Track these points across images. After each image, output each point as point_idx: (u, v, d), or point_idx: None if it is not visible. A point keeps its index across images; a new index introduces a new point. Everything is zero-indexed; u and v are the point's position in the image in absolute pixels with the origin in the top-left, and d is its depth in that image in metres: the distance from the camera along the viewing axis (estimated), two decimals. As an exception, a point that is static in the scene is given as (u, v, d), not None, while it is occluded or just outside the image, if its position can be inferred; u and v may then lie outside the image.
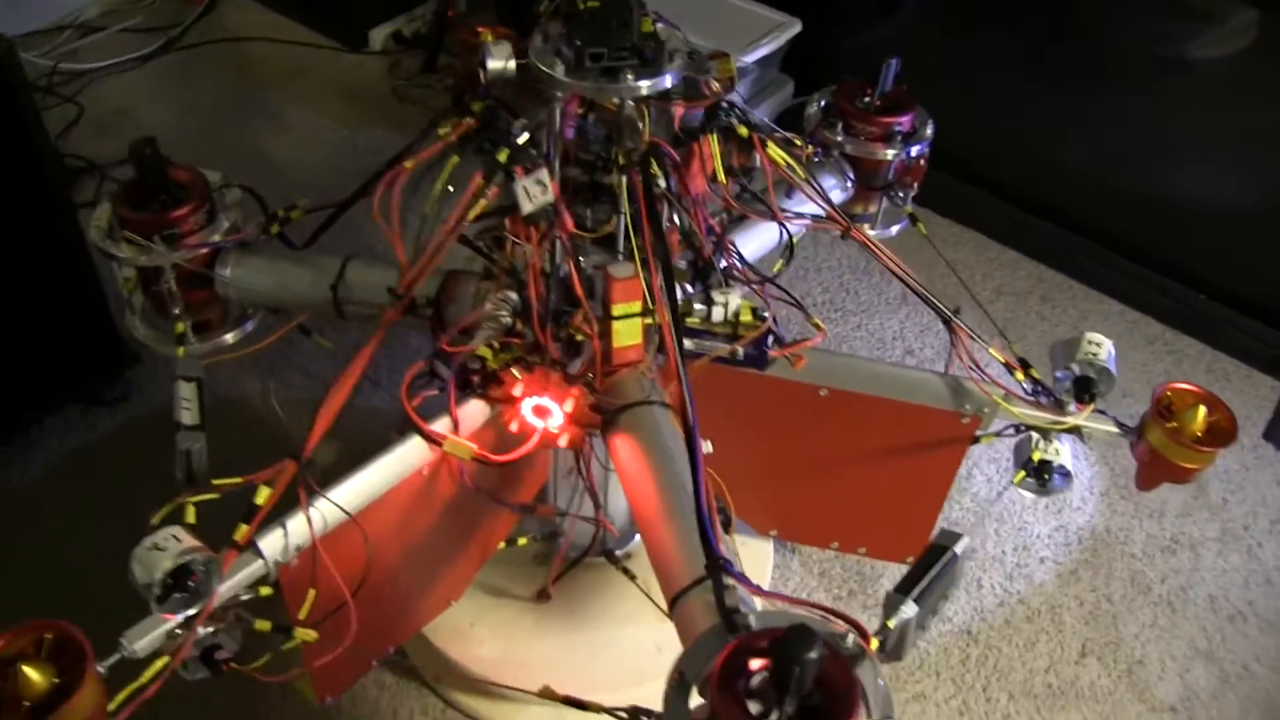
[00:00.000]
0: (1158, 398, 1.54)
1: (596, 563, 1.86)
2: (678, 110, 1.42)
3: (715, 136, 1.36)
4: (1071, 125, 3.03)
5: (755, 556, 2.04)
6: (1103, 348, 1.53)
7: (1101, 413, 1.60)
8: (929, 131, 2.02)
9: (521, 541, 1.82)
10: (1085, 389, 1.52)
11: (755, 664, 1.02)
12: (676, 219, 1.42)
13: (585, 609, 1.85)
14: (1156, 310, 3.04)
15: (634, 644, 1.83)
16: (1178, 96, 2.88)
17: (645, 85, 1.28)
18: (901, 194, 2.08)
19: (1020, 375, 1.56)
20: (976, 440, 1.64)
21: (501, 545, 1.79)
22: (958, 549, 1.38)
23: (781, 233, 1.67)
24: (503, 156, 1.28)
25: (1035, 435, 1.58)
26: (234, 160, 3.11)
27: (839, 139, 1.98)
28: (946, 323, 1.55)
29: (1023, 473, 1.55)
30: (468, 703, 1.84)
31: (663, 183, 1.33)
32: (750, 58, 3.08)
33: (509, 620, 1.83)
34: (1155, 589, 2.31)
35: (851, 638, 1.07)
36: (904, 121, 1.99)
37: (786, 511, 1.88)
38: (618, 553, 1.88)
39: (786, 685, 0.98)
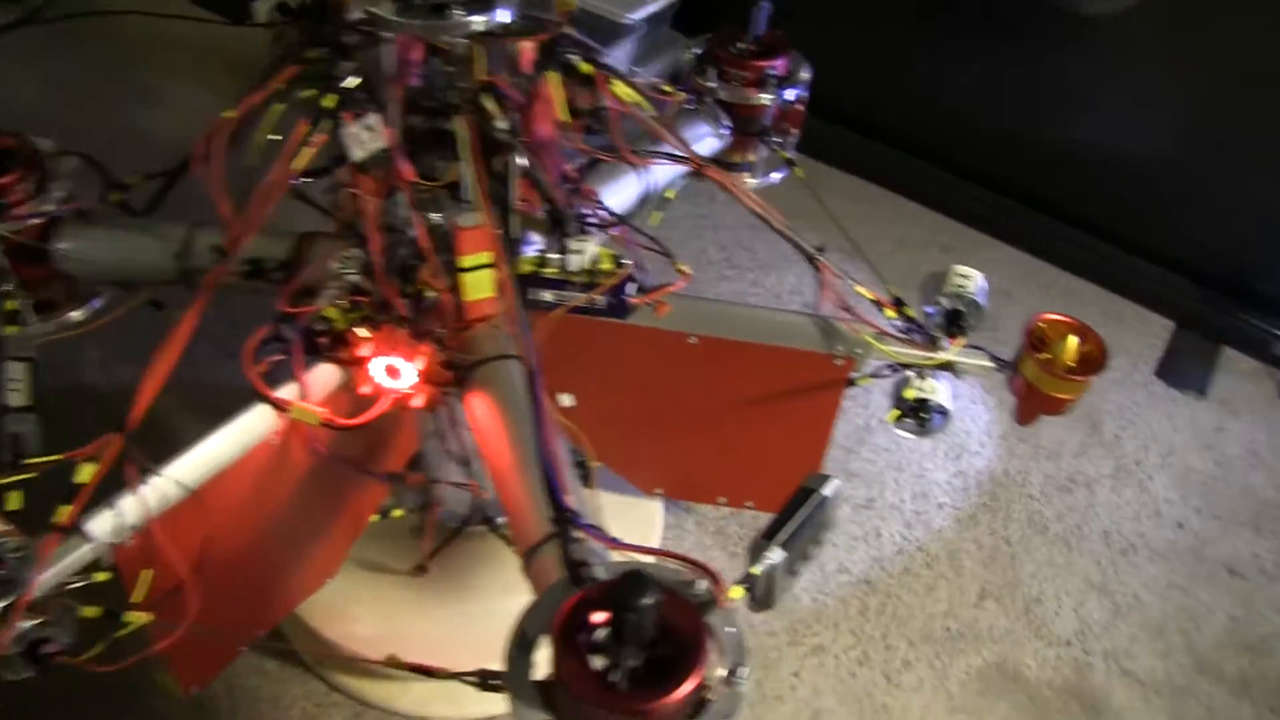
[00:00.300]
0: (1029, 330, 1.52)
1: (478, 532, 1.80)
2: (525, 50, 1.35)
3: (556, 75, 1.30)
4: (968, 75, 3.01)
5: (643, 517, 2.00)
6: (971, 280, 1.50)
7: (978, 348, 1.57)
8: (805, 75, 1.98)
9: (397, 513, 1.76)
10: (954, 322, 1.49)
11: (598, 617, 0.97)
12: (527, 164, 1.36)
13: (466, 580, 1.80)
14: (1053, 256, 3.04)
15: (516, 613, 1.78)
16: (1073, 46, 2.87)
17: (477, 21, 1.21)
18: (780, 140, 2.04)
19: (891, 312, 1.52)
20: (852, 383, 1.60)
21: (375, 518, 1.72)
22: (826, 491, 1.34)
23: (647, 178, 1.62)
24: (329, 102, 1.21)
25: (910, 374, 1.55)
26: (109, 137, 2.97)
27: (713, 85, 1.93)
28: (810, 260, 1.51)
29: (897, 411, 1.52)
30: (351, 684, 1.78)
31: (503, 125, 1.26)
32: (638, 15, 3.02)
33: (387, 596, 1.77)
34: (1052, 528, 2.31)
35: (704, 584, 1.02)
36: (778, 65, 1.95)
37: (669, 468, 1.84)
38: (499, 520, 1.82)
39: (625, 635, 0.94)
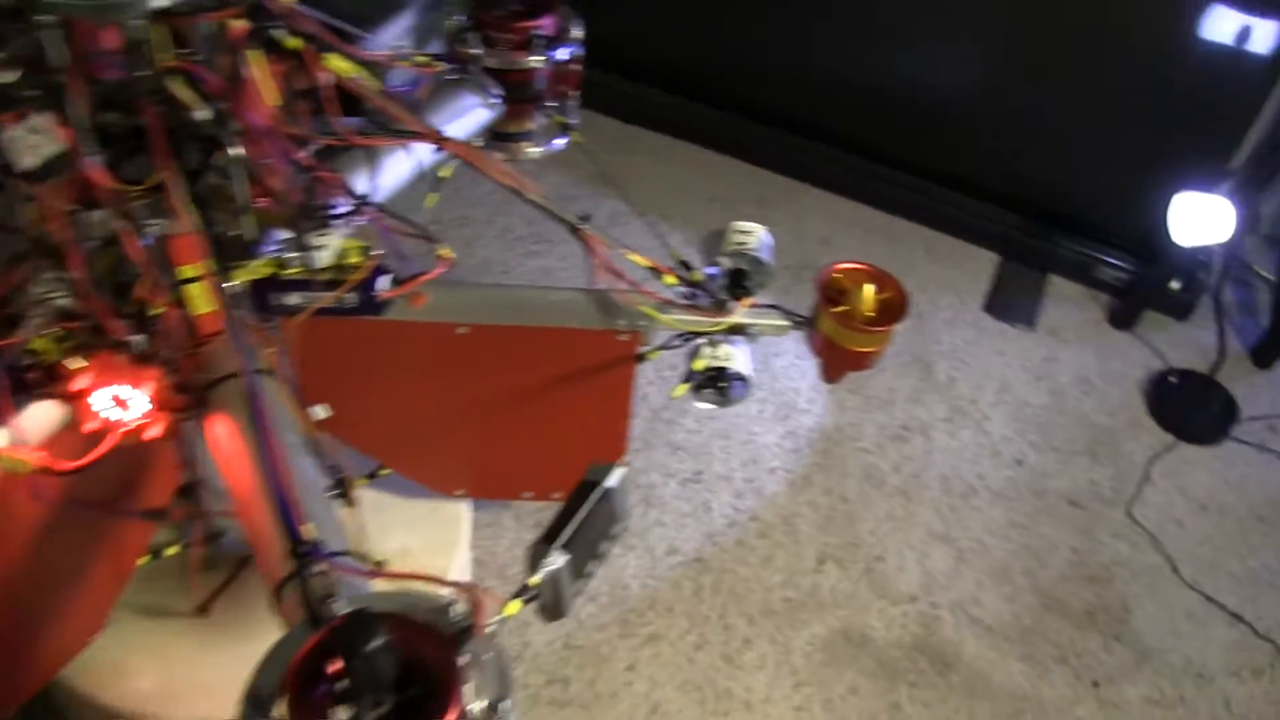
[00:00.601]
0: (823, 282, 1.46)
1: (267, 560, 1.67)
2: (232, 29, 1.22)
3: (258, 54, 1.17)
4: (775, 22, 2.94)
5: (447, 521, 1.89)
6: (753, 235, 1.43)
7: (774, 307, 1.51)
8: (577, 33, 1.88)
9: (170, 550, 1.62)
10: (739, 283, 1.41)
11: (336, 665, 0.87)
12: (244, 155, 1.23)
13: (253, 618, 1.66)
14: (874, 198, 3.02)
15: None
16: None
17: (146, -1, 1.08)
18: (557, 104, 1.94)
19: (671, 279, 1.44)
20: (642, 358, 1.52)
21: (145, 560, 1.58)
22: (610, 482, 1.25)
23: (418, 157, 1.51)
24: (-27, 102, 1.07)
25: (702, 342, 1.47)
26: None
27: (477, 52, 1.82)
28: (574, 231, 1.42)
29: (684, 385, 1.44)
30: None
31: (204, 114, 1.14)
32: (413, -14, 2.88)
33: (169, 644, 1.62)
34: (890, 480, 2.28)
35: (460, 608, 0.93)
36: (545, 25, 1.84)
37: (466, 467, 1.74)
38: (289, 544, 1.69)
39: (358, 684, 0.83)
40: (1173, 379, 2.58)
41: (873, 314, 1.44)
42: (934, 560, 2.13)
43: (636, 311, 1.43)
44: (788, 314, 1.49)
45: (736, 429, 2.33)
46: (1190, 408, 2.51)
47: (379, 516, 1.75)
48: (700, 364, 1.43)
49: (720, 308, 1.44)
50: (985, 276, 2.84)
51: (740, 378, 1.51)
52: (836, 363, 1.50)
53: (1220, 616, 2.10)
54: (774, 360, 2.48)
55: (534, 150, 2.00)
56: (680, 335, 1.50)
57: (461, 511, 1.84)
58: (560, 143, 2.03)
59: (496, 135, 1.97)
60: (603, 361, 1.51)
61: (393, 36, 2.40)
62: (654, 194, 2.91)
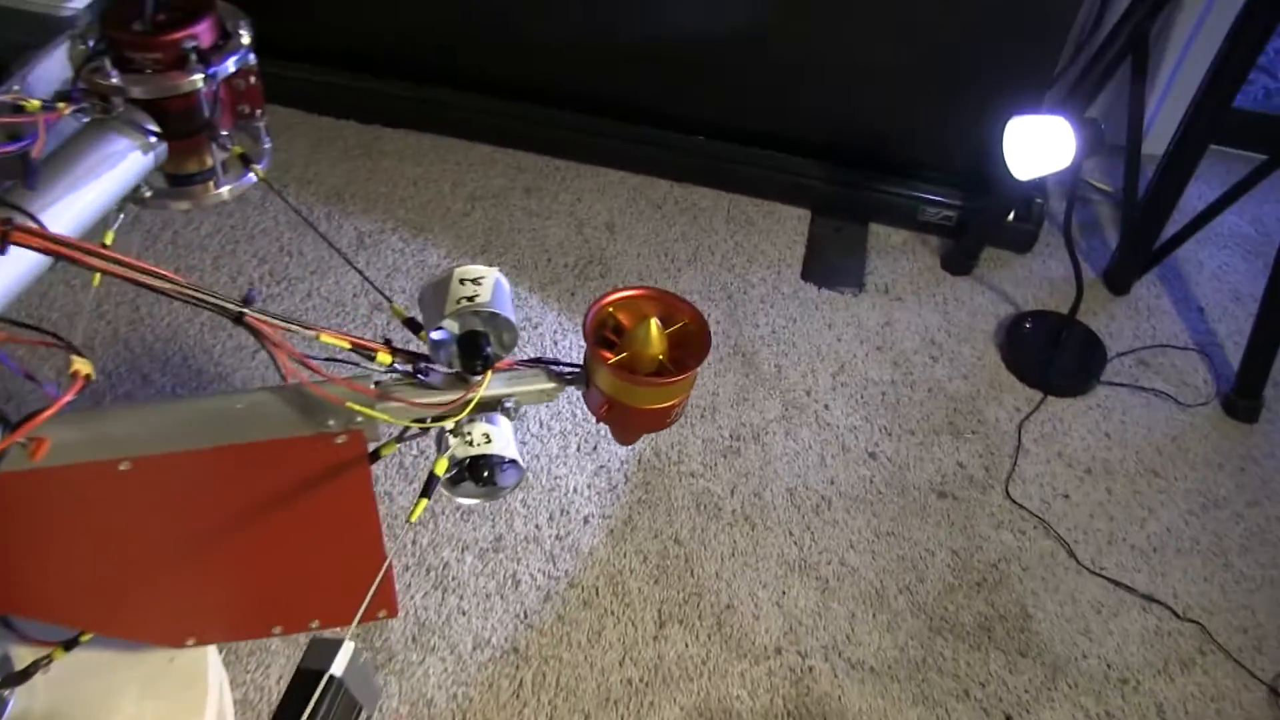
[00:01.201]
0: (593, 324, 1.13)
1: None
2: None
3: None
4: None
5: (192, 671, 1.52)
6: (483, 284, 1.08)
7: (536, 362, 1.18)
8: (246, 36, 1.51)
9: None
10: (473, 354, 1.08)
11: None
12: None
13: None
14: (657, 167, 2.71)
15: None
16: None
17: None
18: (228, 134, 1.57)
19: (385, 356, 1.09)
20: (376, 456, 1.18)
21: None
22: (337, 668, 0.92)
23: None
24: None
25: (447, 427, 1.14)
26: None
27: (115, 82, 1.43)
28: (239, 321, 1.05)
29: (423, 502, 1.10)
30: None
31: None
32: (78, 3, 2.44)
33: None
34: (726, 506, 1.98)
35: None
36: (199, 32, 1.47)
37: (191, 613, 1.37)
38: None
39: None
40: (1027, 324, 2.35)
41: (661, 357, 1.12)
42: (794, 597, 1.84)
43: (344, 409, 1.08)
44: (551, 372, 1.16)
45: (536, 475, 2.00)
46: (1051, 355, 2.28)
47: (101, 682, 1.46)
48: (441, 466, 1.09)
49: (460, 381, 1.11)
50: (799, 238, 2.56)
51: (509, 461, 1.19)
52: (627, 425, 1.18)
53: (1132, 602, 1.87)
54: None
55: (222, 192, 1.62)
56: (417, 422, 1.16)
57: (204, 657, 1.48)
58: (250, 177, 1.66)
59: (173, 179, 1.61)
60: (324, 469, 1.16)
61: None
62: (405, 202, 2.55)
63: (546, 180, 2.65)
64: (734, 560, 1.87)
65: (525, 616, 1.77)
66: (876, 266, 2.49)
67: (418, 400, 1.09)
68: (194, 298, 1.01)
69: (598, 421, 1.14)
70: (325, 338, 1.05)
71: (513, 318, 1.07)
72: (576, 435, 2.05)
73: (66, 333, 1.06)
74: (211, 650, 1.49)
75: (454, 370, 1.10)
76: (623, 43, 2.58)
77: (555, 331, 2.23)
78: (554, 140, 2.72)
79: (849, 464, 2.05)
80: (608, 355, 1.10)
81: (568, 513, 1.92)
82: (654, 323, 1.09)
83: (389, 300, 1.19)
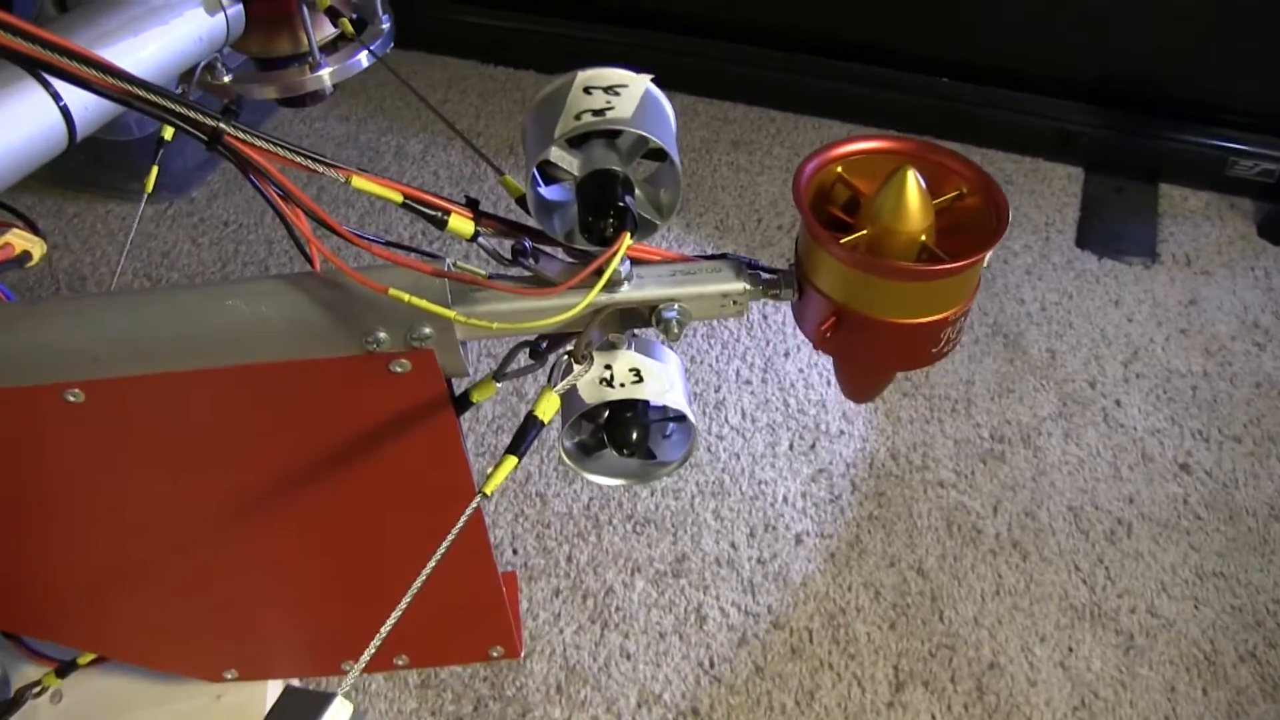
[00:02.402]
0: (806, 188, 0.67)
1: None
2: None
3: None
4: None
5: (245, 713, 1.10)
6: (624, 93, 0.62)
7: (720, 256, 0.71)
8: None
9: None
10: (601, 205, 0.62)
11: None
12: None
13: None
14: (889, 116, 2.21)
15: None
16: None
17: None
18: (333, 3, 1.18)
19: (464, 224, 0.64)
20: (467, 402, 0.73)
21: None
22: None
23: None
24: None
25: (566, 358, 0.68)
26: None
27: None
28: (212, 143, 0.61)
29: (509, 461, 0.63)
30: None
31: None
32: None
33: None
34: (988, 528, 1.46)
35: None
36: None
37: (225, 636, 0.96)
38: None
39: None
40: (1387, 303, 1.76)
41: (925, 238, 0.65)
42: (1085, 657, 1.32)
43: (400, 311, 0.64)
44: (740, 267, 0.70)
45: (736, 476, 1.53)
46: None
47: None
48: (547, 404, 0.63)
49: (577, 269, 0.65)
50: (1071, 200, 2.03)
51: (677, 416, 0.73)
52: (864, 355, 0.70)
53: None
54: (781, 362, 1.68)
55: (322, 75, 1.23)
56: (525, 344, 0.70)
57: (266, 695, 1.06)
58: (364, 57, 1.27)
59: (261, 64, 1.22)
60: (379, 415, 0.72)
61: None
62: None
63: (758, 133, 2.19)
64: (999, 602, 1.36)
65: (711, 666, 1.30)
66: (1172, 233, 1.93)
67: (515, 290, 0.64)
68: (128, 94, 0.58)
69: (817, 347, 0.66)
70: (359, 181, 0.60)
71: (677, 158, 0.60)
72: (789, 429, 1.57)
73: None
74: (272, 687, 1.06)
75: (576, 249, 0.64)
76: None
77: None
78: (766, 86, 2.26)
79: (1153, 478, 1.50)
80: (838, 235, 0.62)
81: (774, 529, 1.44)
82: (913, 175, 0.61)
83: (498, 170, 0.75)
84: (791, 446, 1.56)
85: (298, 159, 0.60)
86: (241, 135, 0.60)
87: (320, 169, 0.61)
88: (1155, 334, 1.73)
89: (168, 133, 1.10)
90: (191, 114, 0.59)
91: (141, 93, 0.58)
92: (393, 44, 1.25)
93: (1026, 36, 2.09)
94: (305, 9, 1.14)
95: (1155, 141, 2.05)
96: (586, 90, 0.61)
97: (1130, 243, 1.93)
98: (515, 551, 1.43)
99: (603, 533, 1.44)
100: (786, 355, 1.68)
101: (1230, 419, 1.59)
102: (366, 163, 2.14)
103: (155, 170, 1.12)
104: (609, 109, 0.59)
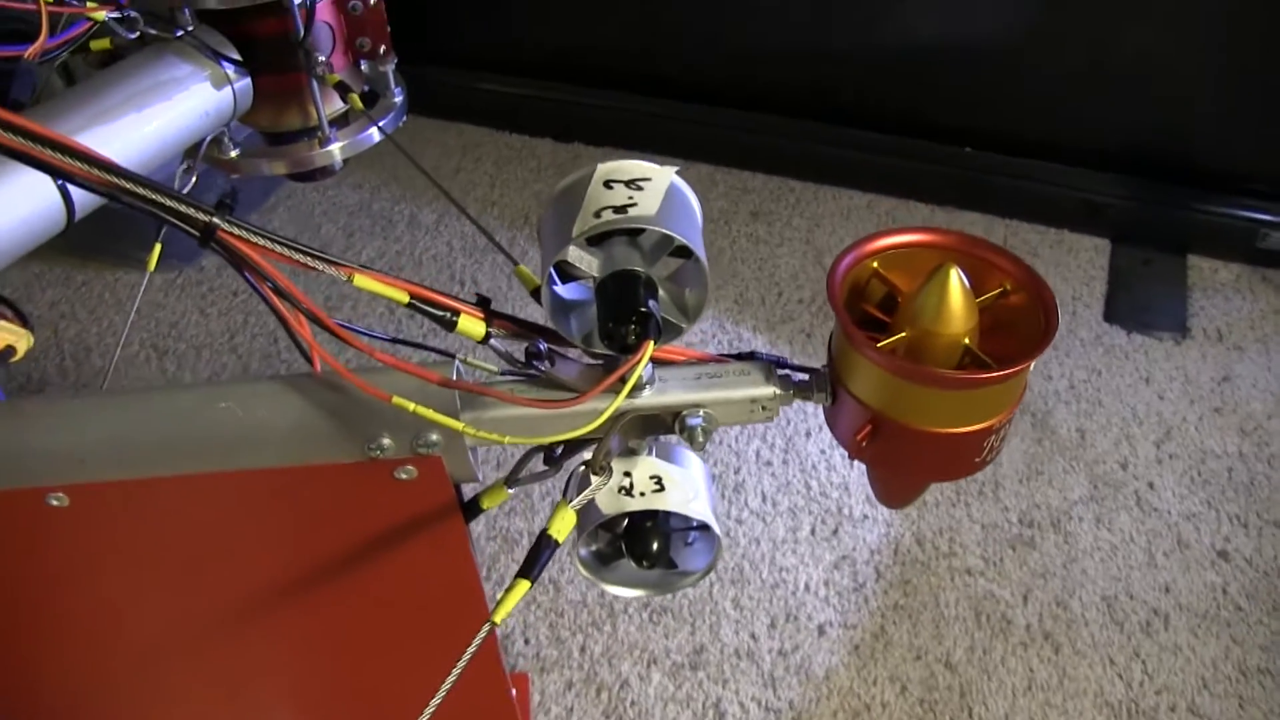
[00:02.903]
0: (841, 286, 0.63)
1: None
2: None
3: None
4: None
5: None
6: (648, 187, 0.58)
7: (749, 357, 0.67)
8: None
9: None
10: (623, 311, 0.58)
11: None
12: None
13: None
14: (912, 187, 2.18)
15: None
16: None
17: None
18: (358, 69, 1.17)
19: (474, 325, 0.60)
20: (477, 510, 0.68)
21: None
22: None
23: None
24: None
25: (583, 469, 0.64)
26: None
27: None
28: (206, 240, 0.57)
29: (521, 586, 0.59)
30: None
31: None
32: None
33: None
34: (1019, 618, 1.41)
35: None
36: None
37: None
38: None
39: None
40: None
41: (968, 341, 0.61)
42: (1124, 757, 1.26)
43: (407, 420, 0.60)
44: (770, 370, 0.65)
45: (754, 565, 1.48)
46: None
47: None
48: (562, 522, 0.59)
49: (602, 376, 0.61)
50: (1098, 272, 1.99)
51: (690, 525, 0.68)
52: (902, 463, 0.66)
53: None
54: (803, 442, 1.63)
55: (332, 150, 1.20)
56: (540, 452, 0.66)
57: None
58: (375, 131, 1.24)
59: (270, 139, 1.20)
60: (382, 523, 0.68)
61: None
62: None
63: (777, 203, 2.16)
64: (1031, 697, 1.30)
65: (732, 764, 1.24)
66: (1203, 306, 1.89)
67: (531, 402, 0.59)
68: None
69: (852, 458, 0.62)
70: (362, 280, 0.56)
71: (703, 257, 0.56)
72: (811, 514, 1.52)
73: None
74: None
75: (593, 352, 0.60)
76: (867, 44, 2.08)
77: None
78: (785, 156, 2.23)
79: (1190, 566, 1.45)
80: (875, 337, 0.58)
81: (796, 619, 1.39)
82: (956, 274, 0.57)
83: (510, 257, 0.71)
84: (813, 531, 1.51)
85: (296, 256, 0.57)
86: (236, 231, 0.56)
87: (320, 266, 0.57)
88: (1188, 412, 1.68)
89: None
90: (183, 209, 0.56)
91: (129, 185, 0.55)
92: (405, 118, 1.22)
93: (1052, 105, 2.06)
94: (315, 83, 1.11)
95: (1184, 212, 2.01)
96: (607, 184, 0.57)
97: (1160, 316, 1.88)
98: (527, 641, 1.38)
99: (618, 622, 1.39)
100: (808, 435, 1.64)
101: (1270, 502, 1.54)
102: (379, 231, 2.11)
103: (158, 248, 1.09)
104: (631, 205, 0.56)
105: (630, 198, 0.56)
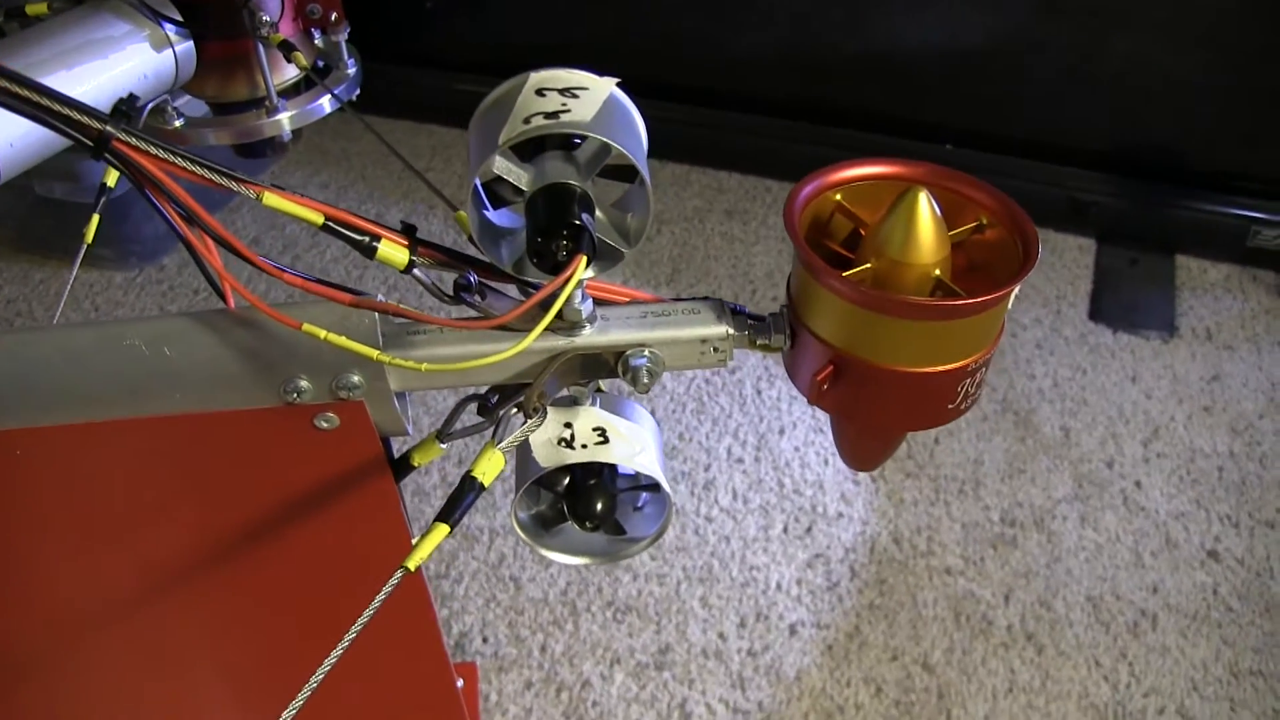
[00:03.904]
0: (799, 215, 0.59)
1: None
2: None
3: None
4: None
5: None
6: (584, 96, 0.54)
7: (706, 300, 0.63)
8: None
9: None
10: (553, 225, 0.54)
11: None
12: None
13: None
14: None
15: None
16: None
17: None
18: (293, 41, 1.12)
19: (397, 251, 0.56)
20: (408, 466, 0.64)
21: None
22: None
23: None
24: None
25: (516, 412, 0.60)
26: None
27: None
28: (99, 151, 0.52)
29: (438, 530, 0.54)
30: None
31: None
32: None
33: None
34: (1000, 618, 1.36)
35: None
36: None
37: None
38: None
39: None
40: None
41: (939, 272, 0.57)
42: (1109, 763, 1.21)
43: (328, 355, 0.56)
44: (723, 310, 0.61)
45: (724, 563, 1.43)
46: None
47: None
48: (488, 464, 0.55)
49: (529, 309, 0.57)
50: (1083, 272, 1.95)
51: (642, 484, 0.64)
52: (868, 409, 0.61)
53: None
54: (776, 439, 1.59)
55: (280, 120, 1.16)
56: (471, 395, 0.62)
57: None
58: (320, 106, 1.19)
59: (215, 107, 1.15)
60: (301, 479, 0.64)
61: None
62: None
63: (753, 202, 2.13)
64: (1012, 699, 1.26)
65: (698, 768, 1.20)
66: (1191, 306, 1.85)
67: (451, 323, 0.55)
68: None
69: (812, 403, 0.58)
70: (272, 199, 0.51)
71: (646, 174, 0.52)
72: (783, 511, 1.47)
73: None
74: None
75: (527, 282, 0.56)
76: (848, 41, 2.06)
77: (759, 379, 1.68)
78: (761, 155, 2.20)
79: (1178, 566, 1.41)
80: (837, 272, 0.54)
81: (766, 618, 1.34)
82: (925, 198, 0.53)
83: (450, 204, 0.67)
84: (786, 530, 1.46)
85: (198, 170, 0.52)
86: (133, 142, 0.52)
87: (226, 183, 0.53)
88: (1176, 411, 1.65)
89: (110, 178, 1.02)
90: (74, 115, 0.51)
91: (14, 89, 0.50)
92: (359, 90, 1.18)
93: (1037, 102, 2.03)
94: (262, 50, 1.07)
95: (1171, 211, 1.99)
96: (540, 92, 0.53)
97: (1147, 316, 1.85)
98: (485, 640, 1.33)
99: (580, 620, 1.34)
100: (781, 432, 1.60)
101: (1261, 502, 1.50)
102: (344, 228, 2.07)
103: (96, 219, 1.04)
104: (564, 112, 0.51)
105: (564, 104, 0.52)
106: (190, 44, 1.03)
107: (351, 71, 1.17)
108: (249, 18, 1.03)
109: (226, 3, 1.02)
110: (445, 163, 2.28)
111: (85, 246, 1.07)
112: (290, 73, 1.10)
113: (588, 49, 2.27)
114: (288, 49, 1.04)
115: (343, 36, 1.14)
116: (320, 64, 1.14)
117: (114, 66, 0.95)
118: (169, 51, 1.01)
